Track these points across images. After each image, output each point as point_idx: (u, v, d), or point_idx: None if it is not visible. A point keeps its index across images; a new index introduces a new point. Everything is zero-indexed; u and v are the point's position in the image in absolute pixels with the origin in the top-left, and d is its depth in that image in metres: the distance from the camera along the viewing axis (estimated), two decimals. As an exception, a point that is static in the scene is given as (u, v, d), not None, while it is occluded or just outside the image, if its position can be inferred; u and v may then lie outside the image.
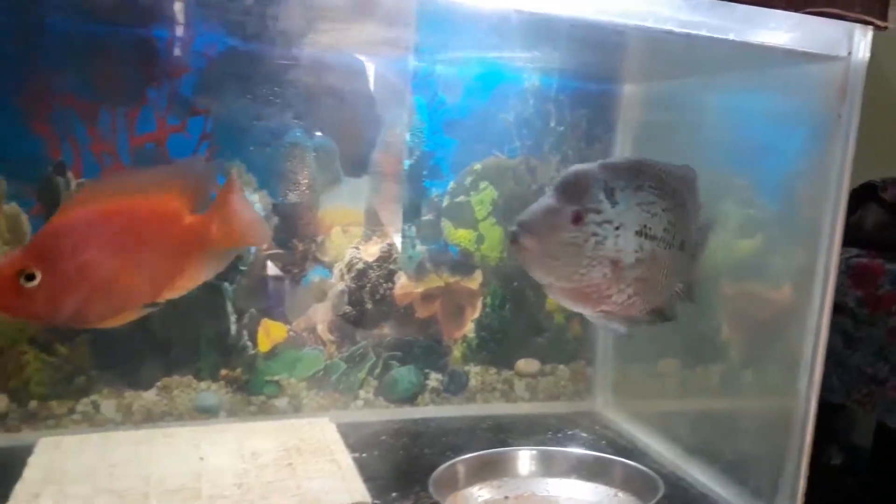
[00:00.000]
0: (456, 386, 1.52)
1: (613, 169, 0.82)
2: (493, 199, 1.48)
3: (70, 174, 1.22)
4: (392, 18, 1.13)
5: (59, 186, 1.22)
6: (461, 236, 1.48)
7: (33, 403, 1.26)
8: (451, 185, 1.47)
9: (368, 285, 1.43)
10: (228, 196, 0.86)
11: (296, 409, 1.39)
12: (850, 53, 1.00)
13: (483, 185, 1.48)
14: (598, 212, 0.80)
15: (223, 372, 1.35)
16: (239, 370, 1.36)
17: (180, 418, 1.33)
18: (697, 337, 1.30)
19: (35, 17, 1.17)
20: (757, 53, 1.02)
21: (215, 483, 1.04)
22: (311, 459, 1.13)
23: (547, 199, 0.80)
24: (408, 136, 1.42)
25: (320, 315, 1.41)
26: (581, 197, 0.80)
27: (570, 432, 1.43)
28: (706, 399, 1.34)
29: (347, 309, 1.42)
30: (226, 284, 1.32)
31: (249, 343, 1.36)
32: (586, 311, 0.87)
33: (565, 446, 1.27)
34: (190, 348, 1.33)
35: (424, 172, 1.44)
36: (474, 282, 1.50)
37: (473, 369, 1.53)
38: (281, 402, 1.39)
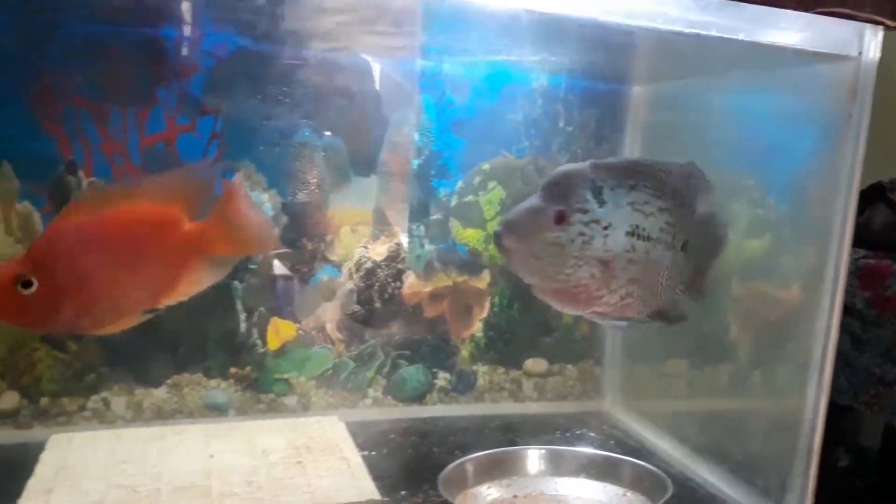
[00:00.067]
0: (464, 385, 1.52)
1: (604, 168, 0.81)
2: (501, 198, 1.48)
3: (81, 173, 1.23)
4: (400, 19, 1.13)
5: (70, 185, 1.22)
6: (469, 236, 1.48)
7: (45, 400, 1.27)
8: (460, 184, 1.47)
9: (377, 284, 1.43)
10: (229, 203, 0.86)
11: (305, 408, 1.40)
12: (860, 53, 1.00)
13: (491, 184, 1.48)
14: (585, 211, 0.78)
15: (233, 370, 1.36)
16: (248, 368, 1.37)
17: (190, 416, 1.33)
18: (706, 337, 1.30)
19: (46, 18, 1.18)
20: (767, 53, 1.01)
21: (226, 480, 1.05)
22: (321, 457, 1.14)
23: (532, 199, 0.80)
24: (416, 136, 1.42)
25: (329, 314, 1.41)
26: (566, 197, 0.78)
27: (578, 432, 1.43)
28: (715, 399, 1.34)
29: (356, 308, 1.42)
30: (235, 283, 1.33)
31: (259, 341, 1.36)
32: (576, 312, 0.86)
33: (574, 446, 1.27)
34: (200, 346, 1.34)
35: (433, 172, 1.45)
36: (482, 281, 1.50)
37: (481, 369, 1.54)
38: (290, 401, 1.39)
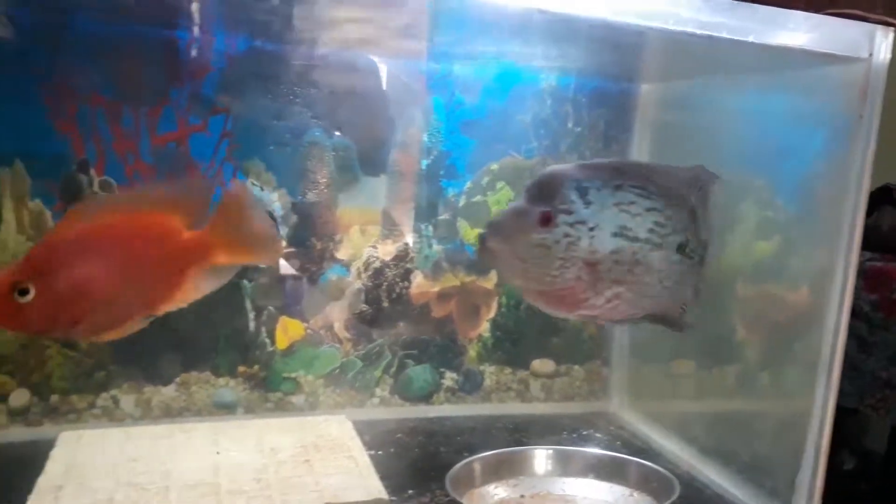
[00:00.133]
0: (471, 385, 1.52)
1: (589, 169, 0.80)
2: (509, 199, 1.48)
3: (93, 172, 1.23)
4: (410, 19, 1.14)
5: (82, 184, 1.23)
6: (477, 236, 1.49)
7: (54, 398, 1.27)
8: (468, 184, 1.47)
9: (385, 284, 1.43)
10: (229, 212, 0.86)
11: (312, 407, 1.40)
12: (871, 55, 1.00)
13: (500, 185, 1.48)
14: (570, 212, 0.77)
15: (241, 368, 1.37)
16: (256, 367, 1.37)
17: (198, 414, 1.34)
18: (713, 338, 1.30)
19: (59, 18, 1.18)
20: (777, 54, 1.01)
21: (234, 478, 1.05)
22: (329, 456, 1.14)
23: (517, 201, 0.79)
24: (425, 136, 1.43)
25: (337, 313, 1.42)
26: (551, 198, 0.77)
27: (585, 433, 1.43)
28: (722, 400, 1.34)
29: (364, 307, 1.43)
30: (245, 282, 1.34)
31: (267, 340, 1.37)
32: (563, 315, 0.85)
33: (580, 447, 1.28)
34: (208, 345, 1.35)
35: (441, 172, 1.45)
36: (490, 281, 1.50)
37: (489, 369, 1.54)
38: (298, 399, 1.40)
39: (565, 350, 1.58)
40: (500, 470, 1.17)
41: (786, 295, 1.19)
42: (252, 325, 1.36)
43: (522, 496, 1.14)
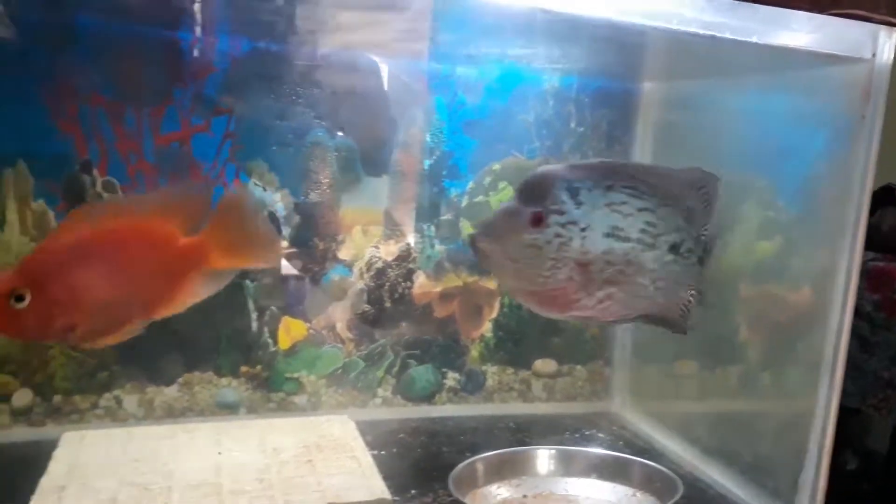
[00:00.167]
0: (473, 385, 1.52)
1: (580, 169, 0.80)
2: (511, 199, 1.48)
3: (96, 172, 1.23)
4: (412, 19, 1.14)
5: (85, 184, 1.23)
6: (479, 236, 1.49)
7: (57, 398, 1.27)
8: (471, 185, 1.47)
9: (387, 284, 1.44)
10: (225, 216, 0.86)
11: (314, 407, 1.41)
12: (874, 55, 1.00)
13: (502, 185, 1.48)
14: (562, 213, 0.77)
15: (243, 369, 1.37)
16: (259, 367, 1.37)
17: (201, 414, 1.34)
18: (716, 338, 1.30)
19: (62, 18, 1.18)
20: (780, 55, 1.01)
21: (237, 478, 1.05)
22: (331, 456, 1.14)
23: (508, 202, 0.79)
24: (428, 137, 1.43)
25: (340, 313, 1.42)
26: (542, 198, 0.77)
27: (587, 433, 1.43)
28: (724, 400, 1.34)
29: (366, 307, 1.43)
30: (247, 282, 1.34)
31: (270, 340, 1.37)
32: (554, 316, 0.84)
33: (583, 447, 1.28)
34: (211, 345, 1.35)
35: (444, 172, 1.45)
36: (492, 282, 1.50)
37: (491, 369, 1.54)
38: (300, 400, 1.40)
39: (567, 350, 1.58)
40: (503, 470, 1.17)
41: (788, 295, 1.19)
42: (254, 325, 1.36)
43: (525, 496, 1.14)
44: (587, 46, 1.23)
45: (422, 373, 1.48)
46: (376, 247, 1.43)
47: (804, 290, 1.16)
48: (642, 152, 1.51)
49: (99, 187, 1.24)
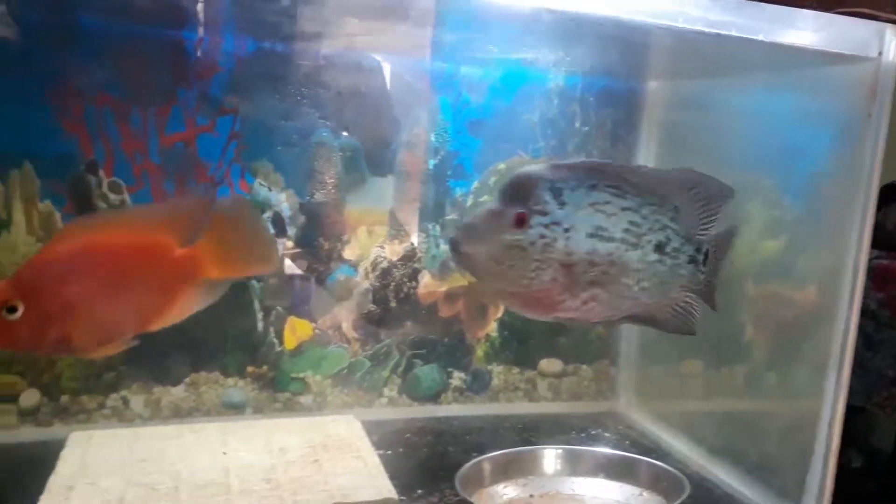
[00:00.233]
0: (479, 385, 1.52)
1: (563, 169, 0.79)
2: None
3: (101, 173, 1.24)
4: (417, 19, 1.14)
5: (91, 185, 1.23)
6: (485, 236, 1.49)
7: (65, 398, 1.28)
8: (476, 184, 1.47)
9: (393, 284, 1.44)
10: (221, 227, 0.86)
11: (320, 407, 1.41)
12: (880, 53, 1.00)
13: (507, 184, 1.48)
14: (545, 213, 0.76)
15: (250, 369, 1.37)
16: (265, 367, 1.37)
17: (207, 414, 1.34)
18: (721, 338, 1.30)
19: (67, 18, 1.19)
20: (785, 53, 1.01)
21: (244, 478, 1.06)
22: (338, 456, 1.14)
23: (490, 203, 0.78)
24: (432, 136, 1.43)
25: (345, 313, 1.42)
26: (525, 199, 0.76)
27: (593, 432, 1.43)
28: (730, 400, 1.34)
29: (372, 307, 1.43)
30: (253, 282, 1.34)
31: (276, 340, 1.37)
32: (539, 317, 0.83)
33: (589, 446, 1.27)
34: (217, 345, 1.35)
35: (449, 172, 1.45)
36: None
37: (496, 368, 1.54)
38: (306, 400, 1.40)
39: (573, 350, 1.58)
40: (510, 469, 1.17)
41: (794, 294, 1.19)
42: (260, 325, 1.36)
43: (532, 496, 1.14)
44: (592, 46, 1.23)
45: (427, 372, 1.48)
46: (381, 247, 1.43)
47: (810, 289, 1.16)
48: (647, 152, 1.51)
49: (105, 188, 1.24)
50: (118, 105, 1.24)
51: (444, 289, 1.47)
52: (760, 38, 0.95)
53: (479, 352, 1.52)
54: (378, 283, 1.43)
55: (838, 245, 1.06)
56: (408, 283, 1.44)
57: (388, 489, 1.04)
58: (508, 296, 0.81)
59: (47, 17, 1.19)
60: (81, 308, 0.78)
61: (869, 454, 1.81)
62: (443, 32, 1.24)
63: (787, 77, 1.17)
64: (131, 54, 1.23)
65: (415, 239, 1.44)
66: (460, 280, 1.47)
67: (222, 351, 1.35)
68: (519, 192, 0.77)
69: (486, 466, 1.15)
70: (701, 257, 0.86)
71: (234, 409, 1.36)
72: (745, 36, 0.94)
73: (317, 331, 1.40)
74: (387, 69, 1.38)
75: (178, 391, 1.34)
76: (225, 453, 1.14)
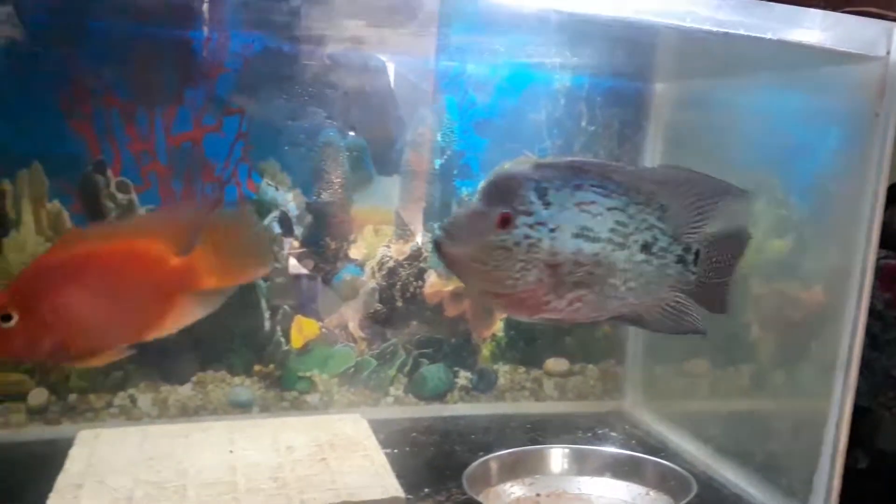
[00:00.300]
0: (485, 384, 1.52)
1: (547, 168, 0.78)
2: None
3: (109, 172, 1.24)
4: (424, 19, 1.14)
5: (99, 184, 1.24)
6: (491, 235, 1.49)
7: (73, 397, 1.28)
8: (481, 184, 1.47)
9: (399, 283, 1.44)
10: (217, 237, 0.86)
11: (327, 406, 1.41)
12: (888, 52, 0.99)
13: (513, 184, 1.48)
14: (530, 213, 0.75)
15: (256, 367, 1.37)
16: (272, 366, 1.38)
17: (215, 413, 1.35)
18: (728, 337, 1.30)
19: (74, 19, 1.19)
20: (793, 53, 1.01)
21: (251, 477, 1.06)
22: (345, 454, 1.14)
23: (473, 203, 0.77)
24: (439, 136, 1.43)
25: (352, 312, 1.42)
26: (510, 199, 0.75)
27: (599, 432, 1.43)
28: (737, 399, 1.34)
29: (378, 307, 1.43)
30: (260, 281, 1.34)
31: (282, 339, 1.37)
32: (524, 318, 0.82)
33: (595, 446, 1.27)
34: (224, 344, 1.36)
35: (455, 172, 1.45)
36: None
37: (502, 368, 1.54)
38: (313, 398, 1.40)
39: (579, 349, 1.58)
40: (517, 468, 1.17)
41: (801, 294, 1.19)
42: (267, 324, 1.36)
43: (538, 495, 1.14)
44: (599, 46, 1.23)
45: (433, 372, 1.48)
46: (388, 246, 1.43)
47: (817, 288, 1.16)
48: (654, 151, 1.51)
49: (112, 187, 1.25)
50: (125, 105, 1.24)
51: (450, 288, 1.47)
52: (769, 36, 0.94)
53: (486, 351, 1.53)
54: (384, 283, 1.43)
55: (846, 245, 1.06)
56: (414, 283, 1.45)
57: (395, 488, 1.04)
58: (493, 297, 0.80)
59: (55, 18, 1.19)
60: (76, 317, 0.78)
61: (874, 455, 1.80)
62: (449, 32, 1.24)
63: (795, 77, 1.16)
64: (138, 55, 1.23)
65: (420, 238, 1.45)
66: (466, 280, 1.47)
67: (229, 350, 1.36)
68: (503, 192, 0.76)
69: (493, 465, 1.15)
70: (690, 257, 0.85)
71: (240, 407, 1.36)
72: (753, 34, 0.94)
73: (323, 330, 1.40)
74: (393, 69, 1.38)
75: (185, 390, 1.34)
76: (232, 451, 1.14)
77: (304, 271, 1.38)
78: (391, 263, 1.43)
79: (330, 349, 1.41)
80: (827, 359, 1.08)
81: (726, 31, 0.92)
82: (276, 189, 1.33)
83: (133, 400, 1.31)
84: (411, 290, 1.45)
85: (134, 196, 1.26)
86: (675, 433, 1.41)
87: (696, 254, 0.85)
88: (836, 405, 1.07)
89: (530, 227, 0.76)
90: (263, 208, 1.33)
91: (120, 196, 1.25)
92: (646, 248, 0.82)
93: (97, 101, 1.23)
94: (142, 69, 1.25)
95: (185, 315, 0.86)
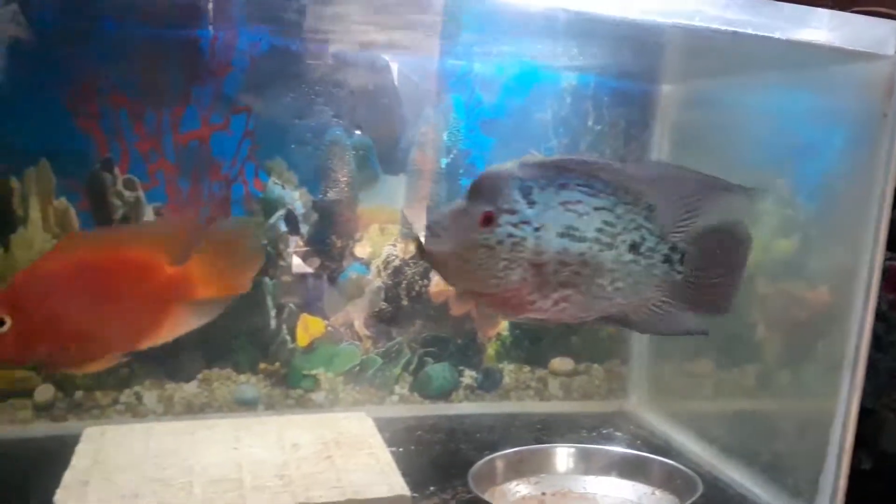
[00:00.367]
0: (490, 383, 1.52)
1: (533, 167, 0.77)
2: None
3: (117, 170, 1.25)
4: (430, 18, 1.14)
5: (106, 182, 1.24)
6: (497, 235, 1.49)
7: (79, 394, 1.29)
8: (487, 183, 1.47)
9: (404, 282, 1.44)
10: (213, 247, 0.87)
11: (332, 404, 1.41)
12: (896, 52, 0.99)
13: (519, 183, 1.48)
14: (514, 212, 0.75)
15: (262, 365, 1.37)
16: (277, 364, 1.38)
17: (220, 410, 1.35)
18: (733, 337, 1.30)
19: (83, 19, 1.19)
20: (801, 52, 1.01)
21: (257, 474, 1.06)
22: (350, 452, 1.14)
23: (457, 201, 0.77)
24: (445, 135, 1.43)
25: (357, 311, 1.42)
26: (494, 197, 0.75)
27: (604, 431, 1.43)
28: (742, 399, 1.33)
29: (384, 305, 1.43)
30: (266, 279, 1.35)
31: (288, 337, 1.38)
32: (509, 318, 0.84)
33: (600, 445, 1.27)
34: (230, 342, 1.36)
35: (461, 171, 1.45)
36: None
37: (508, 367, 1.54)
38: (318, 396, 1.40)
39: (584, 348, 1.58)
40: (522, 467, 1.17)
41: (807, 294, 1.19)
42: (273, 322, 1.37)
43: (544, 493, 1.14)
44: (607, 45, 1.22)
45: (439, 371, 1.48)
46: (394, 245, 1.43)
47: (823, 288, 1.16)
48: (660, 151, 1.51)
49: (120, 185, 1.25)
50: (133, 104, 1.25)
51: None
52: (777, 35, 0.94)
53: (491, 350, 1.52)
54: (390, 281, 1.43)
55: (853, 245, 1.06)
56: (419, 282, 1.45)
57: (400, 486, 1.04)
58: (478, 296, 0.80)
59: (63, 17, 1.19)
60: (69, 324, 0.79)
61: (878, 456, 1.79)
62: (456, 31, 1.24)
63: (802, 76, 1.16)
64: (146, 53, 1.24)
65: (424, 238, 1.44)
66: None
67: (235, 348, 1.36)
68: (487, 191, 0.76)
69: (499, 464, 1.15)
70: (677, 256, 0.84)
71: (246, 405, 1.36)
72: (761, 33, 0.94)
73: (329, 328, 1.41)
74: (399, 68, 1.38)
75: (190, 387, 1.34)
76: (237, 449, 1.14)
77: (310, 270, 1.38)
78: (397, 262, 1.43)
79: (335, 347, 1.41)
80: (833, 359, 1.08)
81: (734, 30, 0.92)
82: (283, 187, 1.33)
83: (139, 397, 1.32)
84: (417, 288, 1.45)
85: (141, 194, 1.26)
86: (680, 433, 1.41)
87: (683, 253, 0.84)
88: (843, 405, 1.06)
89: (514, 225, 0.75)
90: (270, 206, 1.34)
91: (127, 194, 1.25)
92: (634, 248, 0.81)
93: (104, 100, 1.23)
94: (149, 67, 1.25)
95: (179, 324, 0.86)
